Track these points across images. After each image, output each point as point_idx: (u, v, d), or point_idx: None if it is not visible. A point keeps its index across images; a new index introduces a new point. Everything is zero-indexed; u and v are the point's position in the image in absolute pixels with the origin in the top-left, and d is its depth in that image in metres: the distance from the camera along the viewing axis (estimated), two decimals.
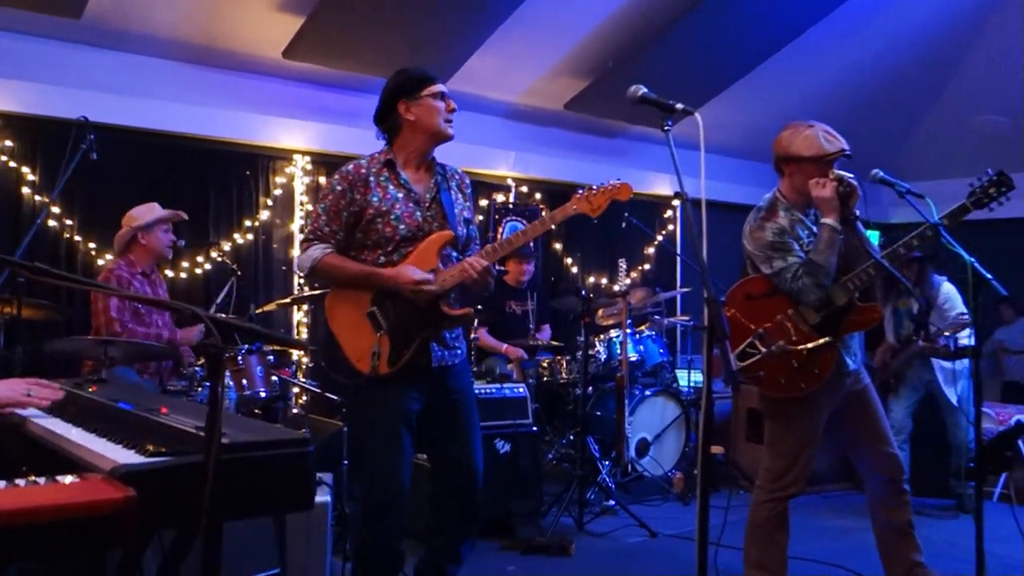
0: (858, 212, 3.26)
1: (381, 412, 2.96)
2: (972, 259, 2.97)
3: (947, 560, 3.64)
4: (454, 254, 3.10)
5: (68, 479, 1.66)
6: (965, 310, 5.21)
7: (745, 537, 3.39)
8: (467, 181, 3.24)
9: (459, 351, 3.14)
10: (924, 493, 5.33)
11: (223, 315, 4.87)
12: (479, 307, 5.59)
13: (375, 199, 2.96)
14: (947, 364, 5.33)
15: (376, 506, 2.95)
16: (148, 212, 4.59)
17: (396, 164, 3.03)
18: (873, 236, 8.87)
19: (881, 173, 3.17)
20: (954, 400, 5.32)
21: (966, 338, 5.13)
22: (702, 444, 2.35)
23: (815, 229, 3.30)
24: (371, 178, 2.99)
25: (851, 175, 3.23)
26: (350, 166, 3.02)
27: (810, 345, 3.18)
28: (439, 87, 3.04)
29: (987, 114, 8.38)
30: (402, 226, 2.97)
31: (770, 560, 3.32)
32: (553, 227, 7.13)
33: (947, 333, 5.19)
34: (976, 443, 2.99)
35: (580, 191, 3.02)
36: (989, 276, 3.03)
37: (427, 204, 3.04)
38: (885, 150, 8.47)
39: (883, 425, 3.39)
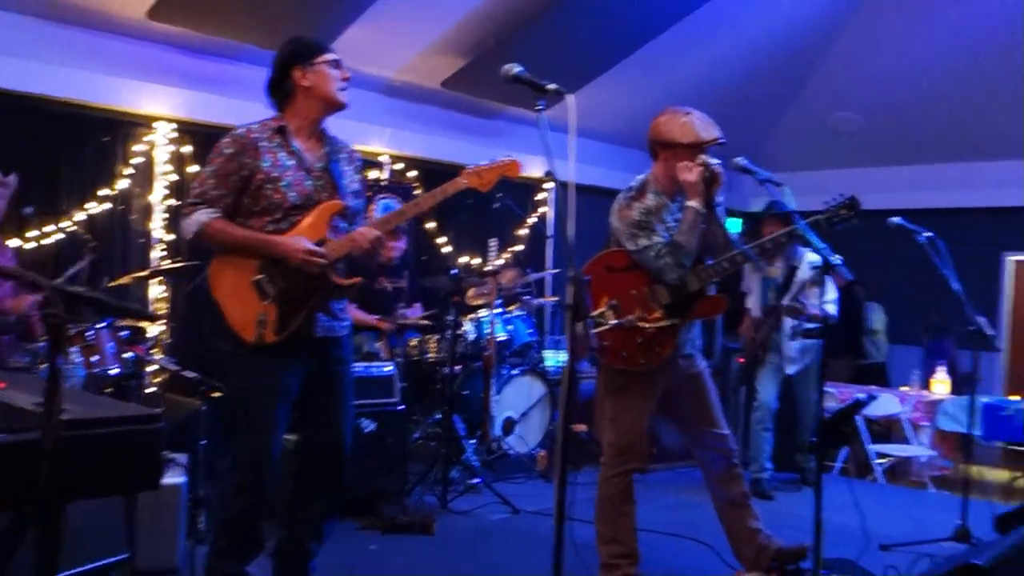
0: (721, 199, 3.40)
1: (261, 383, 2.94)
2: (823, 246, 3.14)
3: (790, 529, 3.86)
4: (343, 224, 3.09)
5: None
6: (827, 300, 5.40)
7: (595, 512, 3.50)
8: (356, 155, 3.26)
9: (345, 322, 3.15)
10: (776, 467, 5.62)
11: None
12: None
13: (265, 164, 2.93)
14: (795, 344, 5.56)
15: (246, 478, 2.93)
16: None
17: (288, 131, 3.00)
18: (734, 224, 9.25)
19: (743, 161, 3.30)
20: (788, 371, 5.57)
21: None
22: (563, 421, 2.40)
23: (679, 215, 3.42)
24: (262, 143, 2.95)
25: (717, 162, 3.36)
26: (240, 129, 2.98)
27: (658, 324, 3.30)
28: (334, 55, 3.05)
29: (843, 111, 8.84)
30: (292, 193, 2.95)
31: (619, 532, 3.45)
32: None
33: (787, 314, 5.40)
34: (818, 420, 3.18)
35: (471, 166, 3.06)
36: (838, 261, 3.21)
37: (317, 173, 3.03)
38: (750, 141, 8.81)
39: (715, 408, 3.58)
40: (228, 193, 2.94)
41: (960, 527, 4.36)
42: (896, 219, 4.52)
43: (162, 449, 1.84)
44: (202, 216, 2.92)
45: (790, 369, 5.55)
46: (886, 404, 6.42)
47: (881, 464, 6.32)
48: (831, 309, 5.39)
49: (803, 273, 5.39)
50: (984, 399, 6.27)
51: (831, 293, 5.42)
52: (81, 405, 1.85)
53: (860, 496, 4.36)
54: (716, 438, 3.56)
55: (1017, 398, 6.53)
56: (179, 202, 5.95)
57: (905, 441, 6.52)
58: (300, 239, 2.91)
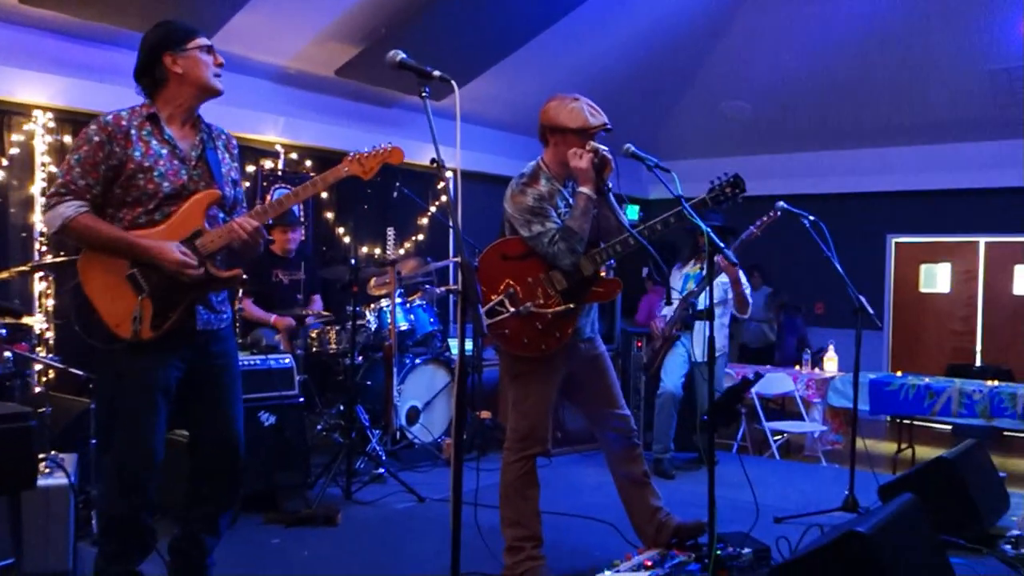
0: (611, 184, 3.45)
1: (139, 379, 2.82)
2: (707, 229, 3.22)
3: (688, 507, 3.96)
4: (220, 215, 3.00)
5: None
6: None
7: (499, 498, 3.53)
8: (234, 142, 3.14)
9: (225, 315, 3.05)
10: (677, 448, 5.76)
11: None
12: (244, 276, 5.41)
13: (137, 153, 2.80)
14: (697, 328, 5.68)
15: (127, 479, 2.82)
16: None
17: (160, 118, 2.88)
18: (632, 211, 9.44)
19: (632, 148, 3.34)
20: (696, 359, 5.69)
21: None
22: (456, 406, 2.41)
23: (572, 201, 3.45)
24: (132, 131, 2.82)
25: (606, 148, 3.40)
26: (109, 116, 2.83)
27: (556, 310, 3.34)
28: (205, 40, 2.93)
29: (732, 99, 9.09)
30: (166, 183, 2.83)
31: (524, 516, 3.48)
32: (324, 192, 7.03)
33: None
34: (708, 397, 3.27)
35: (352, 153, 2.99)
36: (722, 245, 3.30)
37: (193, 162, 2.92)
38: (643, 129, 8.99)
39: (614, 389, 3.65)
40: (96, 183, 2.80)
41: (848, 497, 4.56)
42: (781, 203, 4.69)
43: (36, 447, 1.76)
44: (68, 210, 2.76)
45: (696, 354, 5.64)
46: (780, 383, 6.66)
47: (776, 441, 6.55)
48: (748, 293, 5.53)
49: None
50: (871, 375, 6.57)
51: (745, 285, 5.56)
52: None
53: (756, 471, 4.52)
54: (617, 419, 3.62)
55: (900, 374, 6.86)
56: None
57: (799, 418, 6.77)
58: (171, 247, 2.79)
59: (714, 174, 3.48)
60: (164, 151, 2.87)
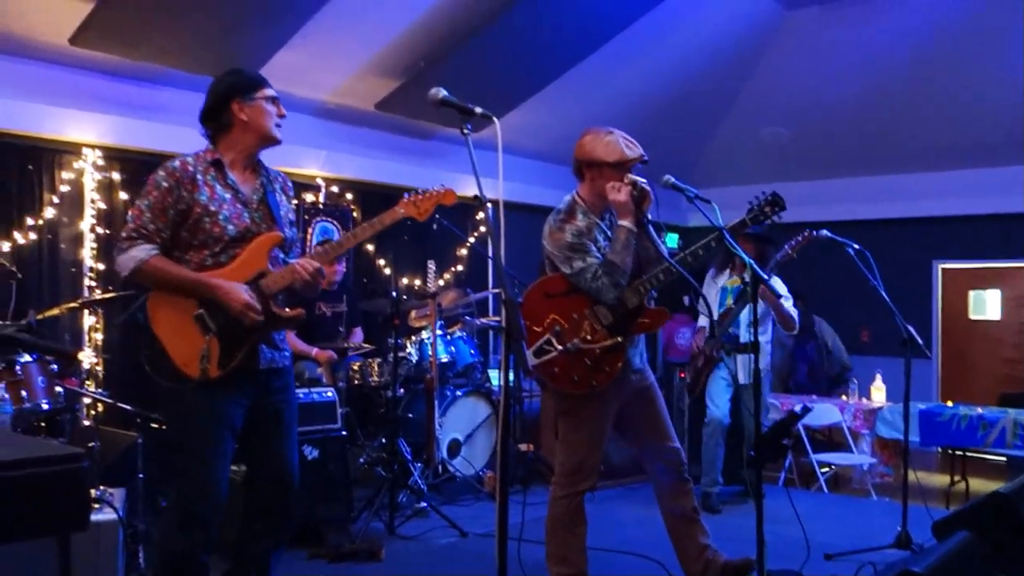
0: (651, 216, 3.44)
1: (207, 417, 2.88)
2: (750, 260, 3.19)
3: (735, 543, 3.88)
4: (281, 255, 3.08)
5: None
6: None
7: (545, 532, 3.49)
8: (289, 184, 3.24)
9: (286, 352, 3.12)
10: (723, 481, 5.67)
11: None
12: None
13: (203, 198, 2.89)
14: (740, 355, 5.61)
15: (193, 515, 2.86)
16: None
17: (224, 164, 2.98)
18: (672, 239, 9.39)
19: (672, 179, 3.33)
20: (741, 381, 5.58)
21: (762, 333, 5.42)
22: (501, 441, 2.39)
23: (610, 233, 3.44)
24: (198, 176, 2.91)
25: (644, 180, 3.39)
26: (176, 162, 2.93)
27: (603, 344, 3.31)
28: (272, 91, 3.04)
29: (771, 126, 9.03)
30: (230, 226, 2.92)
31: (571, 553, 3.44)
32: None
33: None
34: (755, 432, 3.22)
35: (407, 195, 3.05)
36: (766, 276, 3.26)
37: (255, 206, 3.01)
38: (681, 157, 8.96)
39: (665, 421, 3.59)
40: (166, 227, 2.89)
41: (901, 534, 4.44)
42: (824, 232, 4.62)
43: (87, 488, 1.78)
44: (140, 252, 2.86)
45: (740, 377, 5.55)
46: (826, 413, 6.54)
47: (824, 473, 6.42)
48: (795, 313, 5.43)
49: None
50: (920, 406, 6.42)
51: (788, 298, 5.47)
52: (1, 446, 1.78)
53: (805, 506, 4.43)
54: (667, 451, 3.57)
55: (951, 404, 6.70)
56: (109, 231, 5.83)
57: (846, 449, 6.64)
58: (239, 288, 2.87)
59: (749, 199, 3.45)
60: (228, 195, 2.95)
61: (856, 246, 4.50)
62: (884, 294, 4.36)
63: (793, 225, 5.04)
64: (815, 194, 9.40)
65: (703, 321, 5.86)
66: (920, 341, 4.43)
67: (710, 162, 9.77)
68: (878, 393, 6.93)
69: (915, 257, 9.34)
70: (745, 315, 5.39)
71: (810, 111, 8.73)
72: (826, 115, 8.70)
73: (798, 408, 3.44)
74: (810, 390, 7.79)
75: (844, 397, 7.05)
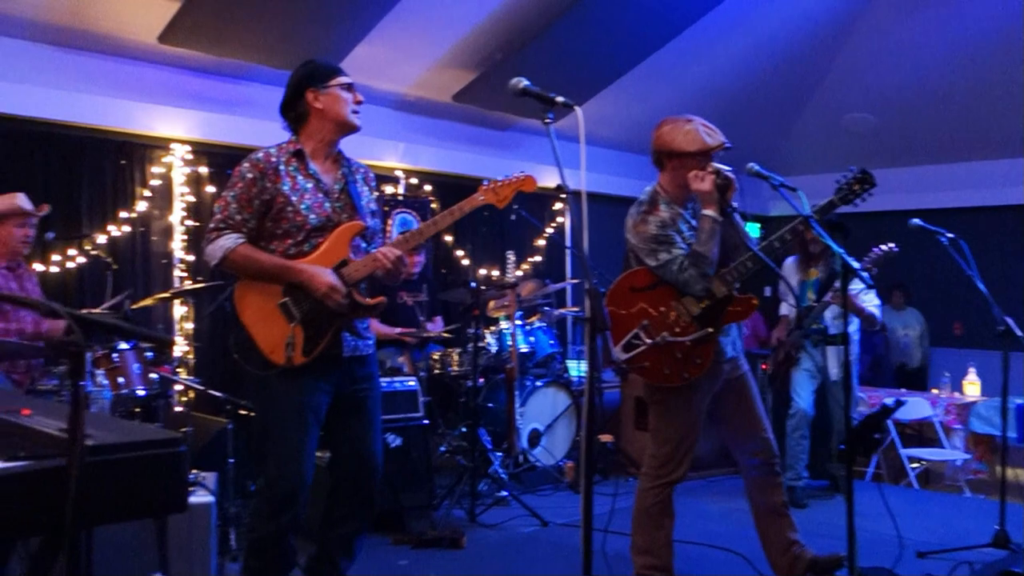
0: (735, 204, 3.37)
1: (292, 403, 2.94)
2: (840, 249, 3.09)
3: (823, 539, 3.80)
4: (363, 244, 3.12)
5: None
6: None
7: (632, 523, 3.46)
8: (371, 175, 3.28)
9: (370, 340, 3.16)
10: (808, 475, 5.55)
11: (91, 310, 4.64)
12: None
13: (285, 188, 2.95)
14: (831, 348, 5.47)
15: (280, 497, 2.92)
16: (3, 202, 4.29)
17: (305, 154, 3.03)
18: (753, 228, 9.22)
19: (756, 167, 3.26)
20: (832, 378, 5.46)
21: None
22: (585, 433, 2.38)
23: (694, 223, 3.38)
24: (281, 167, 2.98)
25: (728, 168, 3.32)
26: (259, 154, 3.00)
27: (693, 336, 3.26)
28: (347, 79, 3.07)
29: (855, 112, 8.77)
30: (312, 216, 2.97)
31: (656, 545, 3.40)
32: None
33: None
34: (845, 426, 3.13)
35: (487, 182, 3.07)
36: (857, 266, 3.16)
37: (336, 195, 3.05)
38: (762, 145, 8.77)
39: (758, 411, 3.52)
40: (251, 217, 2.96)
41: (998, 532, 4.27)
42: (916, 220, 4.46)
43: (186, 472, 1.83)
44: (228, 242, 2.93)
45: (832, 374, 5.44)
46: (917, 407, 6.34)
47: (915, 469, 6.23)
48: (876, 311, 5.33)
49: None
50: (1018, 400, 6.17)
51: (873, 298, 5.36)
52: (105, 430, 1.85)
53: (894, 502, 4.29)
54: (759, 442, 3.49)
55: None
56: (197, 223, 6.00)
57: (938, 445, 6.43)
58: (324, 272, 2.92)
59: (832, 190, 3.35)
60: (309, 185, 2.99)
61: (950, 235, 4.33)
62: (980, 284, 4.20)
63: (882, 213, 4.92)
64: (904, 181, 9.11)
65: (784, 309, 5.75)
66: (1020, 333, 4.24)
67: (791, 150, 9.55)
68: (972, 387, 6.68)
69: (1013, 245, 8.97)
70: (829, 316, 5.30)
71: (896, 96, 8.46)
72: (913, 100, 8.42)
73: (891, 402, 3.33)
74: (873, 382, 7.58)
75: (936, 391, 6.82)
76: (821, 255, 5.42)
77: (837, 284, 5.24)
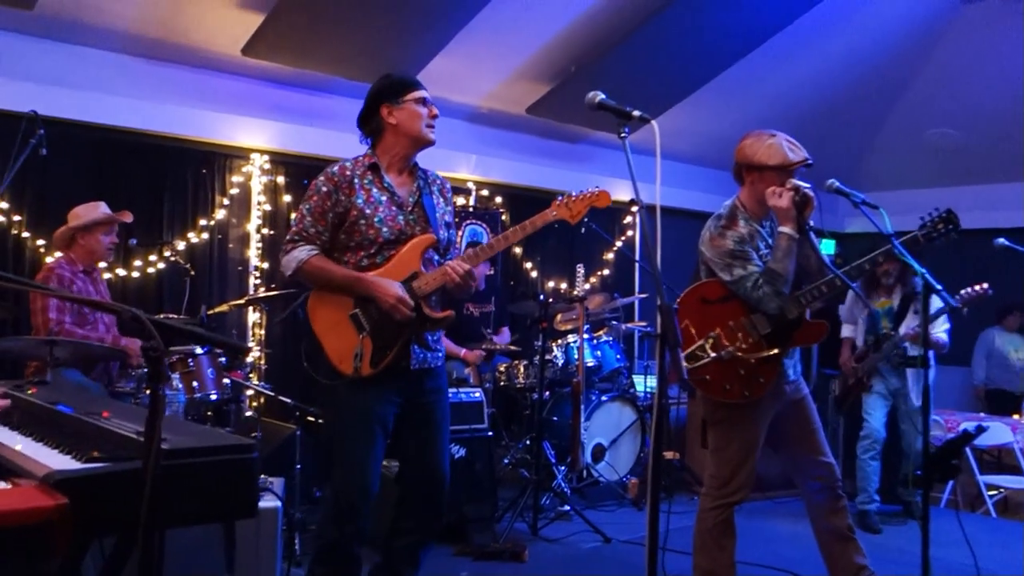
0: (812, 222, 3.30)
1: (359, 413, 2.97)
2: (924, 270, 3.01)
3: (895, 565, 3.70)
4: (436, 257, 3.14)
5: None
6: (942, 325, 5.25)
7: (693, 544, 3.41)
8: (448, 186, 3.29)
9: (439, 353, 3.17)
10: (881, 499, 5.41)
11: (173, 315, 4.78)
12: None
13: (359, 201, 2.99)
14: (910, 371, 5.35)
15: (346, 506, 2.96)
16: (89, 211, 4.46)
17: (380, 167, 3.07)
18: (828, 245, 9.01)
19: (837, 183, 3.20)
20: (911, 405, 5.34)
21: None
22: (653, 450, 2.35)
23: (771, 241, 3.33)
24: (356, 180, 3.02)
25: (807, 185, 3.26)
26: (335, 167, 3.04)
27: (759, 355, 3.20)
28: (422, 92, 3.08)
29: (938, 127, 8.52)
30: (385, 229, 3.00)
31: (718, 566, 3.34)
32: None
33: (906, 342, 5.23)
34: (924, 450, 3.03)
35: (560, 197, 3.08)
36: (939, 287, 3.08)
37: (410, 208, 3.08)
38: (842, 160, 8.58)
39: (819, 435, 3.44)
40: (325, 230, 3.01)
41: None
42: (1001, 240, 4.32)
43: (257, 478, 1.87)
44: (301, 254, 2.99)
45: (912, 399, 5.31)
46: (997, 433, 6.11)
47: (992, 496, 6.01)
48: (943, 337, 5.21)
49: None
50: None
51: (943, 323, 5.25)
52: (180, 434, 1.90)
53: (972, 529, 4.14)
54: (821, 466, 3.41)
55: None
56: (273, 231, 6.13)
57: (1018, 472, 6.18)
58: (393, 284, 2.95)
59: (918, 206, 3.28)
60: (383, 198, 3.03)
61: None
62: None
63: (966, 232, 4.75)
64: (988, 199, 8.81)
65: (846, 331, 5.63)
66: None
67: (871, 166, 9.32)
68: None
69: None
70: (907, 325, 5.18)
71: (981, 111, 8.19)
72: (998, 115, 8.13)
73: (971, 427, 3.22)
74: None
75: (1017, 416, 6.57)
76: (893, 286, 5.35)
77: (914, 309, 5.14)
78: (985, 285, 4.76)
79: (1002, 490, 6.16)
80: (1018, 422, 6.38)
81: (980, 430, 3.18)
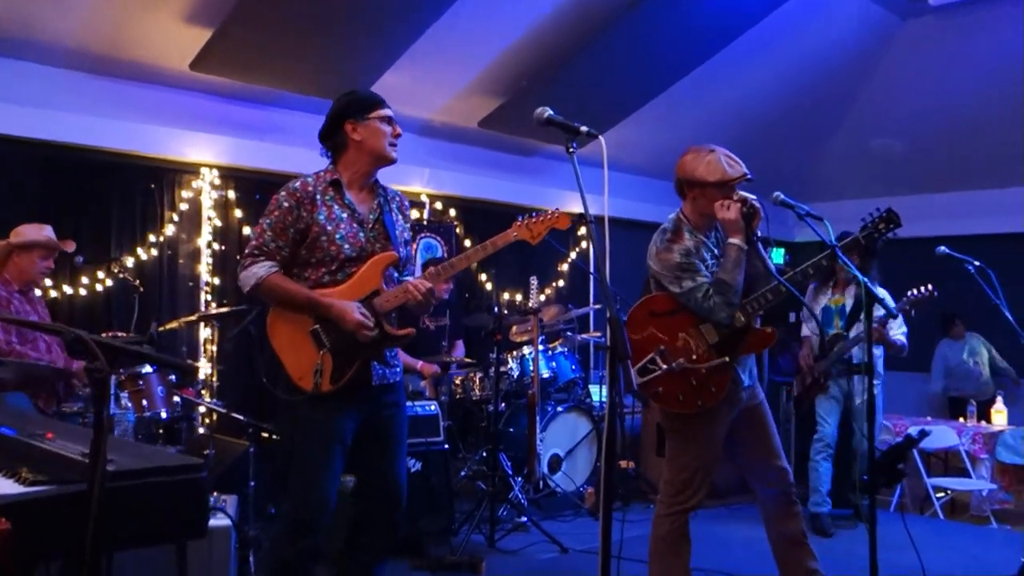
0: (759, 233, 3.36)
1: (318, 430, 2.95)
2: (865, 279, 3.08)
3: (845, 568, 3.77)
4: (396, 274, 3.14)
5: None
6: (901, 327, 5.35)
7: (649, 551, 3.44)
8: (406, 203, 3.29)
9: (397, 368, 3.17)
10: (832, 503, 5.49)
11: (122, 333, 4.71)
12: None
13: (321, 217, 2.97)
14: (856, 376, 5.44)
15: (301, 522, 2.93)
16: (34, 232, 4.34)
17: (342, 184, 3.05)
18: (778, 254, 9.17)
19: (782, 196, 3.26)
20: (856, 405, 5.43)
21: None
22: (605, 459, 2.37)
23: (717, 251, 3.39)
24: (317, 196, 3.00)
25: (754, 197, 3.32)
26: (297, 183, 3.02)
27: (709, 364, 3.25)
28: (387, 111, 3.08)
29: (883, 138, 8.73)
30: (346, 246, 2.98)
31: (674, 572, 3.37)
32: (467, 239, 7.19)
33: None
34: (869, 456, 3.10)
35: (521, 217, 3.11)
36: (880, 296, 3.15)
37: (371, 225, 3.07)
38: (789, 171, 8.75)
39: (774, 440, 3.50)
40: (286, 245, 2.99)
41: None
42: (942, 248, 4.43)
43: (206, 498, 1.85)
44: (260, 270, 2.96)
45: (856, 400, 5.40)
46: (943, 436, 6.26)
47: (940, 498, 6.14)
48: (900, 339, 5.30)
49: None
50: None
51: (900, 325, 5.33)
52: (127, 455, 1.88)
53: (919, 532, 4.23)
54: (776, 471, 3.47)
55: None
56: (224, 247, 6.07)
57: (964, 474, 6.34)
58: (353, 307, 2.93)
59: (864, 215, 3.34)
60: (344, 215, 3.02)
61: (976, 263, 4.29)
62: (1008, 313, 4.15)
63: (909, 240, 4.87)
64: (932, 208, 9.03)
65: (805, 331, 5.73)
66: None
67: (819, 177, 9.52)
68: (999, 416, 6.60)
69: None
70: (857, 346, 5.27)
71: (925, 123, 8.42)
72: (942, 126, 8.37)
73: (915, 432, 3.30)
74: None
75: (962, 420, 6.74)
76: (849, 283, 5.41)
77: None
78: (931, 287, 4.86)
79: (949, 492, 6.30)
80: (963, 426, 6.54)
81: (923, 434, 3.26)
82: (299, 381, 2.95)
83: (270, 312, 3.06)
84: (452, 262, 3.11)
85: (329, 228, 2.97)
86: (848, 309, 5.41)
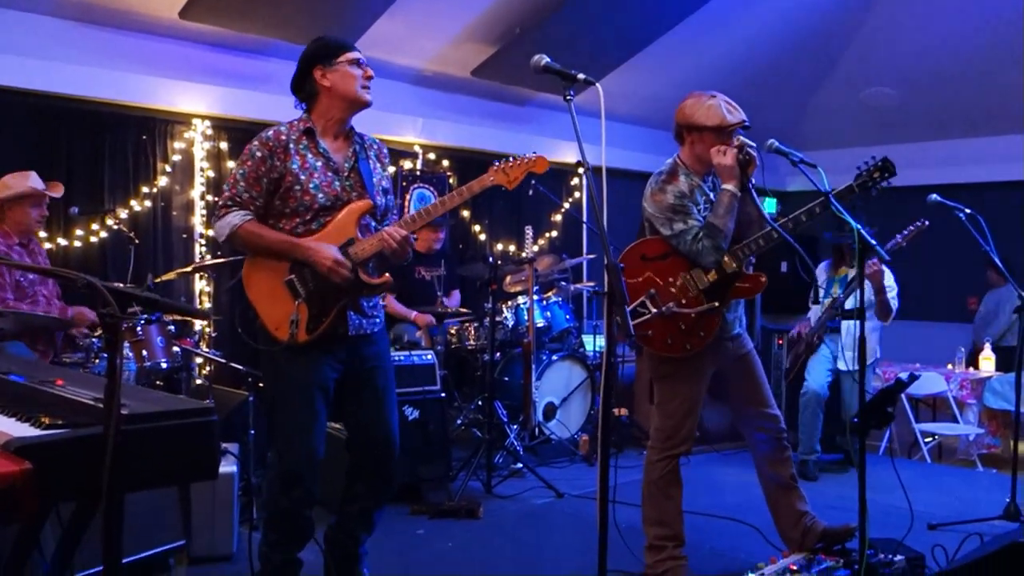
0: (754, 181, 3.39)
1: (297, 380, 2.97)
2: (859, 226, 3.12)
3: (836, 511, 3.86)
4: (372, 223, 3.12)
5: None
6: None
7: (642, 495, 3.53)
8: (385, 151, 3.26)
9: (377, 319, 3.17)
10: (822, 449, 5.60)
11: (119, 284, 4.72)
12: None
13: (294, 166, 2.95)
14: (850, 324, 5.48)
15: (289, 473, 2.97)
16: (18, 182, 4.29)
17: (315, 132, 3.03)
18: (771, 204, 9.18)
19: (777, 143, 3.28)
20: (846, 367, 5.48)
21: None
22: (603, 406, 2.43)
23: (712, 196, 3.42)
24: (291, 145, 2.97)
25: (753, 144, 3.34)
26: (270, 132, 3.00)
27: (699, 309, 3.30)
28: (355, 54, 3.04)
29: (875, 87, 8.70)
30: (321, 195, 2.97)
31: (667, 515, 3.46)
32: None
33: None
34: (859, 399, 3.17)
35: (497, 162, 3.06)
36: (875, 243, 3.19)
37: (346, 173, 3.04)
38: (782, 120, 8.73)
39: (764, 388, 3.57)
40: (259, 195, 2.97)
41: (1009, 505, 4.32)
42: (934, 196, 4.46)
43: (218, 440, 1.90)
44: (234, 219, 2.95)
45: (846, 361, 5.43)
46: (931, 382, 6.36)
47: (928, 443, 6.26)
48: (894, 303, 5.33)
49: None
50: None
51: (893, 287, 5.36)
52: (138, 400, 1.91)
53: (908, 475, 4.34)
54: (766, 418, 3.55)
55: None
56: (217, 198, 6.04)
57: (952, 419, 6.45)
58: (329, 248, 2.93)
59: (856, 164, 3.36)
60: (319, 163, 3.00)
61: (968, 210, 4.34)
62: (998, 260, 4.21)
63: (901, 190, 4.89)
64: (925, 156, 9.04)
65: (811, 313, 5.77)
66: None
67: (812, 126, 9.50)
68: (987, 362, 6.69)
69: None
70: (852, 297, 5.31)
71: (919, 70, 8.38)
72: (936, 74, 8.33)
73: (905, 376, 3.36)
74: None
75: (950, 366, 6.83)
76: (852, 258, 5.46)
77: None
78: (925, 221, 4.85)
79: (936, 437, 6.42)
80: (951, 372, 6.64)
81: (912, 378, 3.32)
82: (275, 331, 2.95)
83: (245, 263, 3.05)
84: (427, 208, 3.07)
85: (303, 177, 2.95)
86: (849, 278, 5.47)
